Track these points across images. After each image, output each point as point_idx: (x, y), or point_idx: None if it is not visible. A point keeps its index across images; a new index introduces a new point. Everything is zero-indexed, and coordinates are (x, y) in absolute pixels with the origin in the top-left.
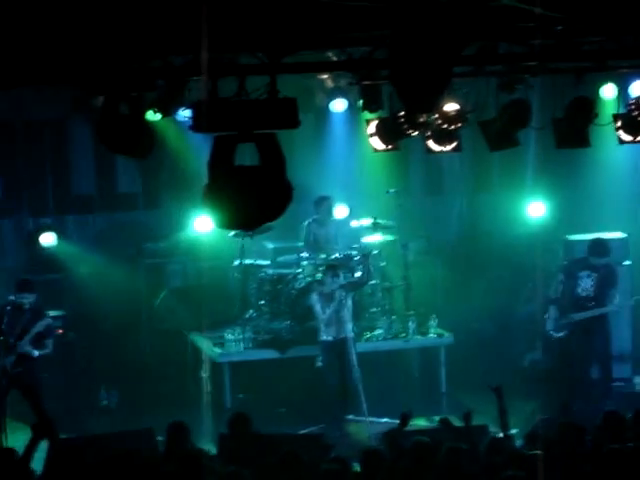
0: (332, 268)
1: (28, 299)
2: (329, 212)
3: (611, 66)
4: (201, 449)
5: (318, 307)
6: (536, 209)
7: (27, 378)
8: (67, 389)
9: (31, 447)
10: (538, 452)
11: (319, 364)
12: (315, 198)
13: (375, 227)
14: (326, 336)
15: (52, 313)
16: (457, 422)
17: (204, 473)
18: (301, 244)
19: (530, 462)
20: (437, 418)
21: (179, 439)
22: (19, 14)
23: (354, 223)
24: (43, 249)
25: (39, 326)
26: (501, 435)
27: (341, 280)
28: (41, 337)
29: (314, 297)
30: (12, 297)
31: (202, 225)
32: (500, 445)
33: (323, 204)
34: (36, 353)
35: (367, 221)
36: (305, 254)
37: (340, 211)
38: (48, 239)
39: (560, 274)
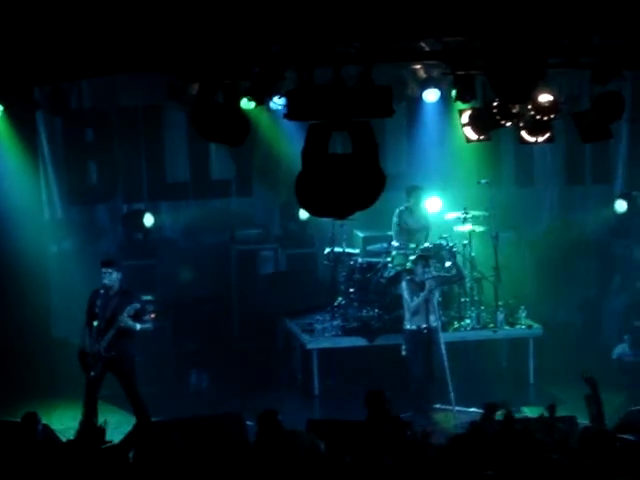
0: (423, 258)
1: (110, 274)
2: (419, 201)
3: None
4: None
5: (407, 295)
6: (624, 205)
7: (122, 361)
8: (158, 373)
9: (132, 435)
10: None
11: (404, 353)
12: (406, 187)
13: (466, 219)
14: (410, 325)
15: (144, 297)
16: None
17: (303, 454)
18: (391, 232)
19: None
20: (525, 409)
21: (271, 425)
22: (117, 2)
23: (449, 216)
24: (137, 234)
25: (129, 310)
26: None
27: (432, 270)
28: (136, 316)
29: (403, 285)
30: (104, 280)
31: (300, 213)
32: (594, 435)
33: (414, 193)
34: (138, 326)
35: (459, 214)
36: (395, 243)
37: (433, 203)
38: (148, 220)
39: None
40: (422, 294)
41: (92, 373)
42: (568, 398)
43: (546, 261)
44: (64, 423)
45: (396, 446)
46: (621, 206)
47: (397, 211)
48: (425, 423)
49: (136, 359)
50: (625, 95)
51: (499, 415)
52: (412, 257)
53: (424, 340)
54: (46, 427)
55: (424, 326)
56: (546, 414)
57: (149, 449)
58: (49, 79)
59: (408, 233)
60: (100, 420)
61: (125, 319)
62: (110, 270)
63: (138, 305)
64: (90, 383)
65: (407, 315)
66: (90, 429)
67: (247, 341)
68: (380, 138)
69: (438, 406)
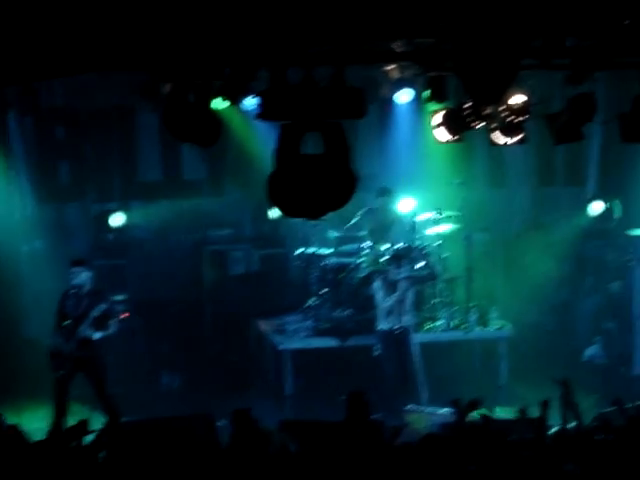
0: (396, 258)
1: (80, 274)
2: (389, 202)
3: None
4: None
5: (380, 295)
6: (597, 206)
7: (92, 362)
8: (129, 373)
9: (102, 435)
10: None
11: (376, 353)
12: (376, 189)
13: (439, 220)
14: (383, 325)
15: (116, 297)
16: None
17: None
18: (363, 233)
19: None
20: (497, 409)
21: (247, 427)
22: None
23: (420, 217)
24: (108, 234)
25: (97, 310)
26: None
27: (405, 270)
28: (102, 319)
29: (376, 285)
30: (74, 280)
31: (270, 213)
32: (567, 436)
33: (383, 194)
34: (96, 335)
35: (431, 214)
36: (368, 243)
37: (406, 204)
38: (118, 220)
39: None
40: (395, 294)
41: (62, 373)
42: (539, 399)
43: (518, 262)
44: (35, 423)
45: (373, 448)
46: (594, 209)
47: (361, 212)
48: (397, 424)
49: (107, 359)
50: (598, 96)
51: (474, 415)
52: (384, 258)
53: (397, 340)
54: (15, 427)
55: (397, 326)
56: (518, 414)
57: (120, 449)
58: (21, 79)
59: (371, 234)
60: (71, 420)
61: (83, 330)
62: (79, 269)
63: (105, 306)
64: (60, 383)
65: (380, 315)
66: (59, 429)
67: (219, 342)
68: (352, 139)
69: (410, 407)
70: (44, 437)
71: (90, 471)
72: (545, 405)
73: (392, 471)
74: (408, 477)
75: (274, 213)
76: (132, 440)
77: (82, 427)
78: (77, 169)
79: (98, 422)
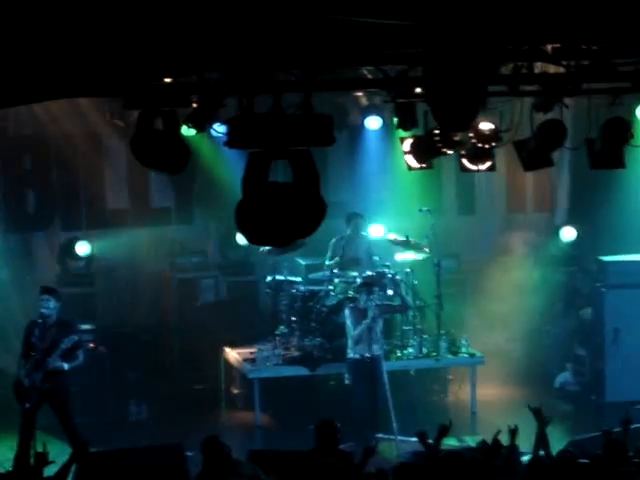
0: (367, 285)
1: (48, 301)
2: (359, 229)
3: None
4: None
5: (350, 323)
6: (568, 232)
7: (57, 393)
8: (97, 403)
9: (68, 466)
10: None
11: (347, 381)
12: (346, 214)
13: (408, 245)
14: (353, 354)
15: (83, 326)
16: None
17: None
18: (331, 262)
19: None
20: (468, 438)
21: (218, 455)
22: (52, 27)
23: (390, 236)
24: (75, 263)
25: (66, 342)
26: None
27: (375, 298)
28: (71, 349)
29: (346, 312)
30: (42, 310)
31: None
32: (541, 465)
33: (352, 221)
34: (66, 366)
35: (400, 237)
36: (337, 271)
37: (375, 230)
38: (83, 249)
39: None
40: (365, 322)
41: (27, 405)
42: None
43: (488, 289)
44: (2, 454)
45: (344, 476)
46: (565, 236)
47: (334, 240)
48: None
49: (74, 389)
50: (567, 122)
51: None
52: (354, 285)
53: (367, 369)
54: None
55: (367, 355)
56: (487, 442)
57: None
58: None
59: (345, 262)
60: (39, 448)
61: (53, 361)
62: (48, 297)
63: (76, 337)
64: (26, 414)
65: (350, 343)
66: (26, 460)
67: (187, 371)
68: (321, 165)
69: (380, 435)
70: (10, 468)
71: None
72: (514, 432)
73: None
74: None
75: (243, 240)
76: (101, 471)
77: (41, 459)
78: (44, 198)
79: (66, 453)
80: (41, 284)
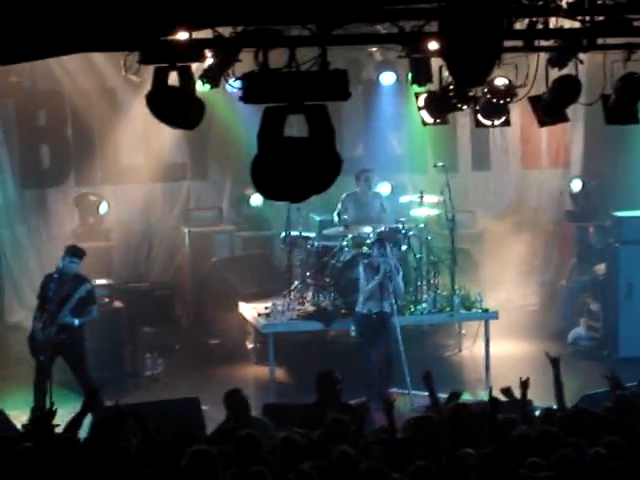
0: (379, 241)
1: (72, 263)
2: (368, 185)
3: None
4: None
5: (362, 278)
6: (576, 185)
7: (72, 346)
8: (112, 357)
9: (81, 415)
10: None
11: (353, 334)
12: (356, 171)
13: (422, 202)
14: (361, 308)
15: (98, 281)
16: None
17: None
18: (345, 217)
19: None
20: (481, 393)
21: (240, 406)
22: None
23: (404, 199)
24: (90, 218)
25: (80, 291)
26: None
27: (388, 253)
28: (85, 303)
29: (360, 268)
30: (60, 264)
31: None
32: (554, 416)
33: (361, 177)
34: (77, 322)
35: (414, 197)
36: (351, 226)
37: (383, 188)
38: (99, 204)
39: None
40: (377, 278)
41: (41, 357)
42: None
43: (503, 244)
44: (19, 407)
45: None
46: (574, 188)
47: (343, 196)
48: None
49: (89, 344)
50: (582, 78)
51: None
52: (368, 241)
53: (373, 324)
54: (1, 412)
55: (375, 311)
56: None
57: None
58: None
59: (354, 218)
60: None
61: (64, 316)
62: (75, 259)
63: (89, 286)
64: (40, 367)
65: (361, 298)
66: (41, 414)
67: (202, 325)
68: (336, 122)
69: (394, 390)
70: (27, 421)
71: (72, 452)
72: (525, 385)
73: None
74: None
75: (256, 199)
76: (119, 422)
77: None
78: (58, 153)
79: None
80: (56, 239)
